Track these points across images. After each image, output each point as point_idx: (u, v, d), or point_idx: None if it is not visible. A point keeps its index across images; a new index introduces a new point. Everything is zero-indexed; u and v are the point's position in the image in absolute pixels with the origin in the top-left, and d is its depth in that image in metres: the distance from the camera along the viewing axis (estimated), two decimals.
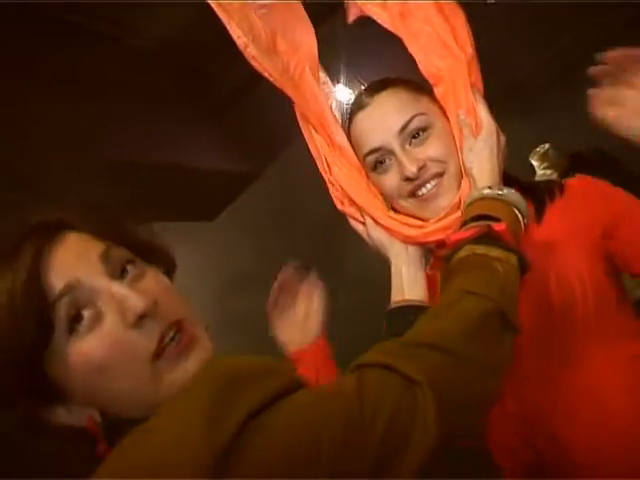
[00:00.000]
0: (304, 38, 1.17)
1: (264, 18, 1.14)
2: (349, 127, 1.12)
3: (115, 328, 0.66)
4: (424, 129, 1.03)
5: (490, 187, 0.93)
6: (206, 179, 3.38)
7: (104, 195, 2.34)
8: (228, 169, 3.54)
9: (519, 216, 0.89)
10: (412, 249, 1.08)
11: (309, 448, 0.56)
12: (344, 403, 0.61)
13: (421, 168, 1.02)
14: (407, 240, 1.08)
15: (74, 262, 0.67)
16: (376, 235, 1.11)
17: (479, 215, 0.87)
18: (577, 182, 1.10)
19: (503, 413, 1.05)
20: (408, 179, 1.02)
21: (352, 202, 1.14)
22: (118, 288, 0.67)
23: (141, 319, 0.66)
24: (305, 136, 1.19)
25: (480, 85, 1.06)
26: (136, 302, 0.66)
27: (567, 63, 3.00)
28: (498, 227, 0.84)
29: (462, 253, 0.83)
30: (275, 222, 3.84)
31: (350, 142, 1.12)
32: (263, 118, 3.72)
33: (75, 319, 0.65)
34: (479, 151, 1.00)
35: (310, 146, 1.18)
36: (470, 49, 1.05)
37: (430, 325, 0.75)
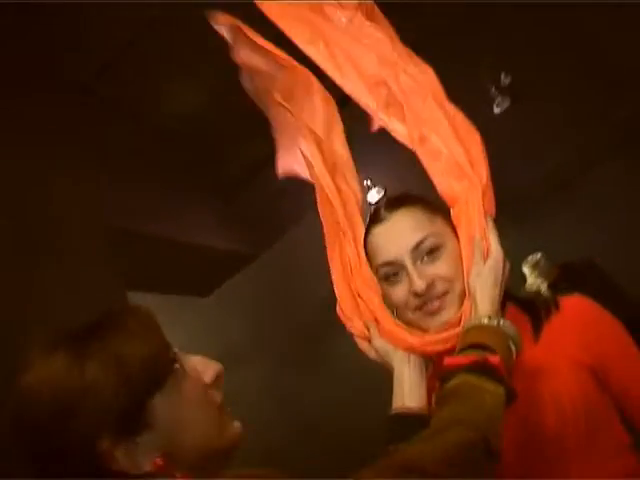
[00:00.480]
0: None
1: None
2: (366, 237, 1.19)
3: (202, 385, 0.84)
4: (436, 249, 1.09)
5: (490, 317, 0.99)
6: (205, 256, 3.45)
7: (108, 260, 2.40)
8: (227, 248, 3.62)
9: (512, 348, 0.96)
10: (414, 357, 1.12)
11: None
12: None
13: (429, 285, 1.07)
14: (409, 348, 1.12)
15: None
16: (380, 344, 1.15)
17: (477, 343, 0.94)
18: (575, 303, 1.15)
19: None
20: (416, 294, 1.07)
21: (359, 315, 1.20)
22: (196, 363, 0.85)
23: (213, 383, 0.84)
24: (328, 244, 1.28)
25: (493, 211, 1.12)
26: (211, 368, 0.85)
27: (562, 177, 3.16)
28: (493, 359, 0.91)
29: (457, 380, 0.90)
30: (267, 304, 3.89)
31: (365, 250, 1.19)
32: (267, 203, 3.85)
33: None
34: (485, 278, 1.06)
35: (331, 254, 1.28)
36: (485, 175, 1.11)
37: (420, 448, 0.83)
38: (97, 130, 2.77)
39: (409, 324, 1.13)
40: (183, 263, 3.26)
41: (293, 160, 1.36)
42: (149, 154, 3.23)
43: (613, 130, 3.09)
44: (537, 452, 1.04)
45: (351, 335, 1.25)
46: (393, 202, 1.17)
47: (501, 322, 0.98)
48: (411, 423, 1.03)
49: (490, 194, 1.12)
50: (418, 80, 1.19)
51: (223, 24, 1.33)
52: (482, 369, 0.90)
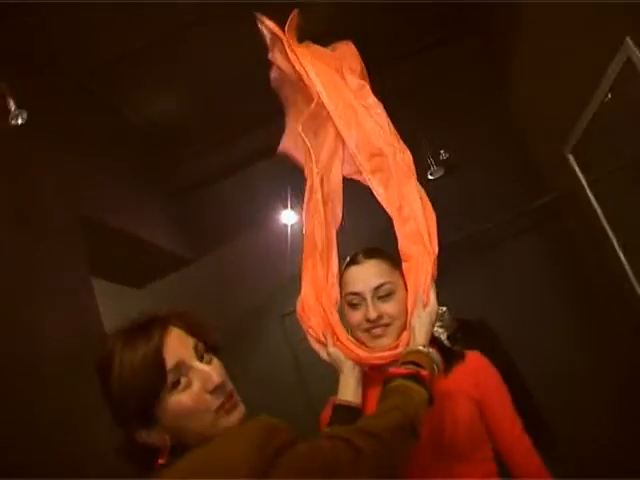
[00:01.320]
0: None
1: None
2: (345, 270, 1.56)
3: (198, 392, 1.07)
4: (390, 293, 1.49)
5: (424, 346, 1.39)
6: (147, 251, 3.68)
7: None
8: (168, 248, 3.87)
9: (435, 369, 1.35)
10: (358, 368, 1.50)
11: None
12: (324, 454, 1.05)
13: (379, 317, 1.47)
14: (356, 358, 1.49)
15: (179, 348, 1.09)
16: (334, 352, 1.51)
17: (413, 361, 1.33)
18: (474, 356, 1.59)
19: None
20: (369, 320, 1.47)
21: (318, 320, 1.55)
22: (203, 367, 1.09)
23: (215, 388, 1.07)
24: (305, 253, 1.59)
25: (435, 275, 1.49)
26: (216, 377, 1.09)
27: (474, 245, 3.56)
28: (423, 372, 1.30)
29: (397, 382, 1.30)
30: (192, 306, 4.12)
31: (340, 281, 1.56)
32: (213, 213, 4.12)
33: (176, 383, 1.05)
34: (423, 320, 1.44)
35: (305, 263, 1.59)
36: (436, 248, 1.48)
37: (371, 422, 1.21)
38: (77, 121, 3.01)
39: (357, 341, 1.50)
40: (127, 254, 3.50)
41: (295, 146, 1.64)
42: (120, 151, 3.48)
43: (526, 211, 3.51)
44: (438, 447, 1.44)
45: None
46: (370, 252, 1.56)
47: (430, 350, 1.38)
48: (352, 412, 1.43)
49: (435, 261, 1.49)
50: (406, 162, 1.54)
51: (268, 28, 1.55)
52: (415, 378, 1.29)
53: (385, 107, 1.61)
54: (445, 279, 3.25)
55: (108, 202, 3.22)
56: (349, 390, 1.49)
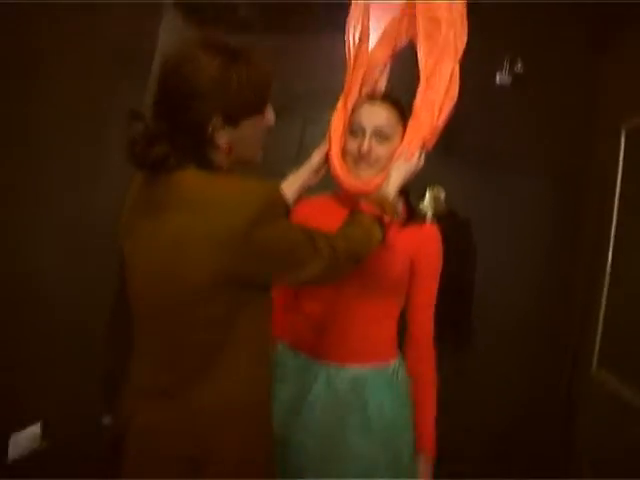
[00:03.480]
0: None
1: None
2: (358, 103, 1.76)
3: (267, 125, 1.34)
4: (387, 137, 1.70)
5: (391, 194, 1.61)
6: None
7: None
8: None
9: (395, 218, 1.60)
10: (313, 177, 1.76)
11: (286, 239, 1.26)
12: (291, 239, 1.28)
13: (368, 152, 1.68)
14: (334, 172, 1.73)
15: None
16: (319, 154, 1.77)
17: (380, 204, 1.56)
18: (431, 227, 1.83)
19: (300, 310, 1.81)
20: (360, 152, 1.69)
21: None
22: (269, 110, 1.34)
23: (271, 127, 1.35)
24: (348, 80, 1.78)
25: (430, 146, 1.70)
26: (273, 118, 1.34)
27: (504, 156, 3.76)
28: (386, 219, 1.54)
29: (364, 217, 1.52)
30: None
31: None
32: None
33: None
34: (401, 171, 1.65)
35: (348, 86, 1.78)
36: (441, 124, 1.67)
37: (334, 237, 1.40)
38: None
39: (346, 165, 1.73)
40: None
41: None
42: None
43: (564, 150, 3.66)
44: (361, 283, 1.74)
45: None
46: (387, 97, 1.76)
47: (397, 203, 1.63)
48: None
49: (435, 135, 1.69)
50: (456, 44, 1.66)
51: None
52: (378, 220, 1.53)
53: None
54: (458, 172, 3.56)
55: None
56: (294, 184, 1.73)
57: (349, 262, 1.42)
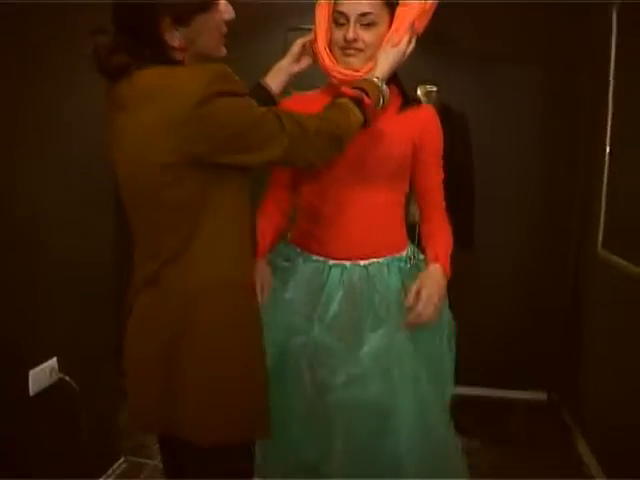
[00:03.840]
0: None
1: None
2: None
3: (221, 18, 1.37)
4: (372, 23, 1.64)
5: (377, 78, 1.58)
6: None
7: None
8: None
9: (381, 100, 1.58)
10: (295, 68, 1.77)
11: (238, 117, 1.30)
12: (254, 113, 1.33)
13: (355, 39, 1.64)
14: (323, 65, 1.70)
15: None
16: (298, 45, 1.76)
17: (362, 88, 1.55)
18: (427, 107, 1.83)
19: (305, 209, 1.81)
20: (346, 40, 1.65)
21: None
22: (223, 4, 1.37)
23: (231, 19, 1.39)
24: None
25: (420, 29, 1.65)
26: (231, 11, 1.38)
27: (494, 52, 3.66)
28: (366, 100, 1.53)
29: (342, 100, 1.52)
30: None
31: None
32: None
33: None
34: (388, 56, 1.62)
35: None
36: (429, 4, 1.63)
37: (304, 118, 1.41)
38: None
39: (334, 56, 1.69)
40: None
41: None
42: None
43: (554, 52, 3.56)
44: (361, 169, 1.72)
45: None
46: None
47: (382, 84, 1.58)
48: (268, 96, 1.69)
49: (425, 18, 1.65)
50: None
51: None
52: (356, 101, 1.52)
53: None
54: (447, 66, 3.49)
55: None
56: (277, 75, 1.75)
57: (329, 143, 1.46)
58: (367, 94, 1.54)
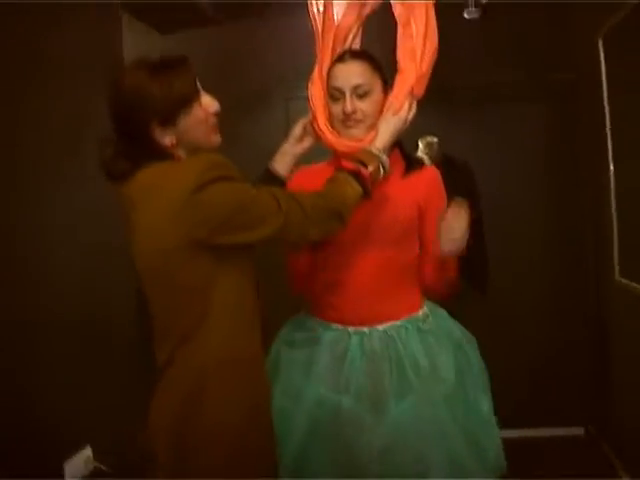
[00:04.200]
0: None
1: None
2: (331, 67, 1.75)
3: (206, 112, 1.46)
4: (366, 93, 1.69)
5: (378, 149, 1.62)
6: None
7: None
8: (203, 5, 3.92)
9: (382, 172, 1.62)
10: (299, 148, 1.79)
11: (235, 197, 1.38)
12: (248, 194, 1.40)
13: (353, 111, 1.68)
14: (326, 141, 1.75)
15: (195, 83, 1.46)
16: (299, 126, 1.80)
17: (361, 160, 1.59)
18: (430, 169, 1.85)
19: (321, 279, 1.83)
20: (345, 114, 1.69)
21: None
22: (209, 97, 1.48)
23: (216, 112, 1.48)
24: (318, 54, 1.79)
25: (419, 93, 1.69)
26: (217, 105, 1.48)
27: (492, 93, 3.73)
28: (364, 171, 1.57)
29: (339, 174, 1.58)
30: (207, 65, 4.24)
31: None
32: None
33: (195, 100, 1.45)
34: (389, 124, 1.66)
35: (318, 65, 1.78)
36: (425, 68, 1.66)
37: (302, 196, 1.48)
38: None
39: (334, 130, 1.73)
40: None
41: None
42: None
43: (544, 79, 3.64)
44: (369, 233, 1.75)
45: None
46: (355, 53, 1.76)
47: (382, 155, 1.62)
48: (276, 180, 1.73)
49: (423, 82, 1.68)
50: None
51: None
52: (354, 174, 1.56)
53: None
54: (447, 116, 3.56)
55: None
56: (284, 158, 1.79)
57: (327, 218, 1.52)
58: (366, 166, 1.58)
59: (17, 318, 2.09)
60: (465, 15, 3.36)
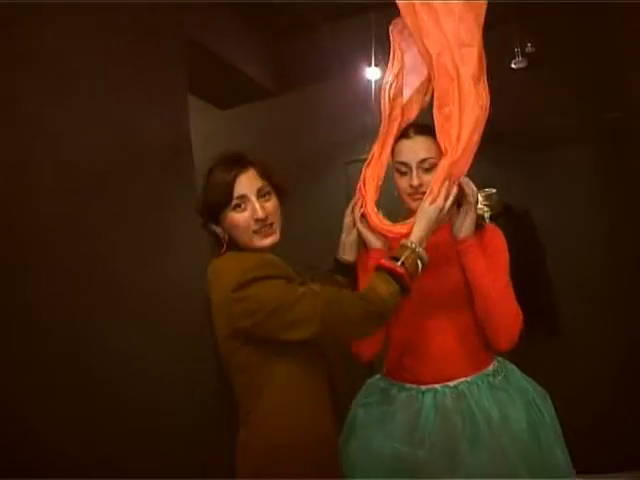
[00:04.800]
0: None
1: None
2: (395, 143, 1.78)
3: (247, 217, 1.56)
4: (433, 166, 1.68)
5: (413, 242, 1.57)
6: (240, 79, 3.96)
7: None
8: (258, 79, 4.15)
9: (419, 265, 1.58)
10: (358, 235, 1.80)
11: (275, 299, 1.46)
12: (288, 295, 1.47)
13: (420, 184, 1.68)
14: (372, 224, 1.75)
15: (247, 185, 1.57)
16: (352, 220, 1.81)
17: (397, 257, 1.56)
18: (491, 228, 1.83)
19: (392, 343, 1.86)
20: (412, 187, 1.70)
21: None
22: (256, 203, 1.56)
23: (257, 220, 1.55)
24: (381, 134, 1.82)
25: (459, 174, 1.65)
26: (260, 212, 1.55)
27: (549, 140, 3.75)
28: (399, 271, 1.53)
29: (380, 274, 1.54)
30: (267, 136, 4.41)
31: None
32: (306, 57, 4.29)
33: (237, 206, 1.56)
34: (425, 214, 1.62)
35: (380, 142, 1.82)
36: (460, 153, 1.61)
37: (342, 297, 1.53)
38: None
39: (405, 203, 1.75)
40: (222, 79, 3.82)
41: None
42: None
43: (596, 121, 3.62)
44: (426, 300, 1.76)
45: None
46: (420, 128, 1.76)
47: (419, 248, 1.59)
48: (345, 268, 1.81)
49: (461, 163, 1.64)
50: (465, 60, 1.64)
51: None
52: (389, 272, 1.54)
53: None
54: (503, 165, 3.57)
55: (214, 30, 3.49)
56: (345, 248, 1.82)
57: (366, 319, 1.52)
58: (403, 263, 1.55)
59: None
60: (512, 65, 3.40)
